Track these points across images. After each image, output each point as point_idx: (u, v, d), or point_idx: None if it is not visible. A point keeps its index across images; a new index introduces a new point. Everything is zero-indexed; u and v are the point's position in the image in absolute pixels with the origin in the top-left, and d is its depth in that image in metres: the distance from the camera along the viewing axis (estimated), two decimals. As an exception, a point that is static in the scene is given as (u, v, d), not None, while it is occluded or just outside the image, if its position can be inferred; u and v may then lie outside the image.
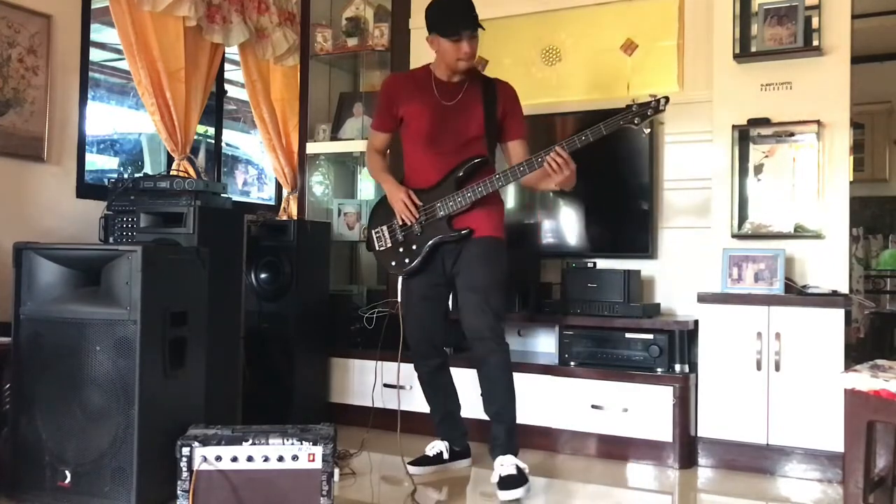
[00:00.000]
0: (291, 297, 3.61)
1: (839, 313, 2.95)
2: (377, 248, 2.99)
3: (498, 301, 2.86)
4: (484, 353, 2.82)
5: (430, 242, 2.87)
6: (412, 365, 3.08)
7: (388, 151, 3.15)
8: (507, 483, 2.71)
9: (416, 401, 3.24)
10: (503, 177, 2.80)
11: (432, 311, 2.97)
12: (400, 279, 2.99)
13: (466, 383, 3.31)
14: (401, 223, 2.90)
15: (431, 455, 3.04)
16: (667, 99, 2.71)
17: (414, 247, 2.89)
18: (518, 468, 2.76)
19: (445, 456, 3.04)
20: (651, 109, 2.70)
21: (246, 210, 3.45)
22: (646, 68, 3.71)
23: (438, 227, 2.86)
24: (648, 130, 2.81)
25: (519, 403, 3.16)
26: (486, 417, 3.36)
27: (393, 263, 2.94)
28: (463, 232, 2.84)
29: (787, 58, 3.19)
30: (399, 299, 3.00)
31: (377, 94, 3.15)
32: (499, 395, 2.84)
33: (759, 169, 3.28)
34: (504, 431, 2.83)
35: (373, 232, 3.00)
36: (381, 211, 2.99)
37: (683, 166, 3.60)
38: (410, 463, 2.99)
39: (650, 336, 3.25)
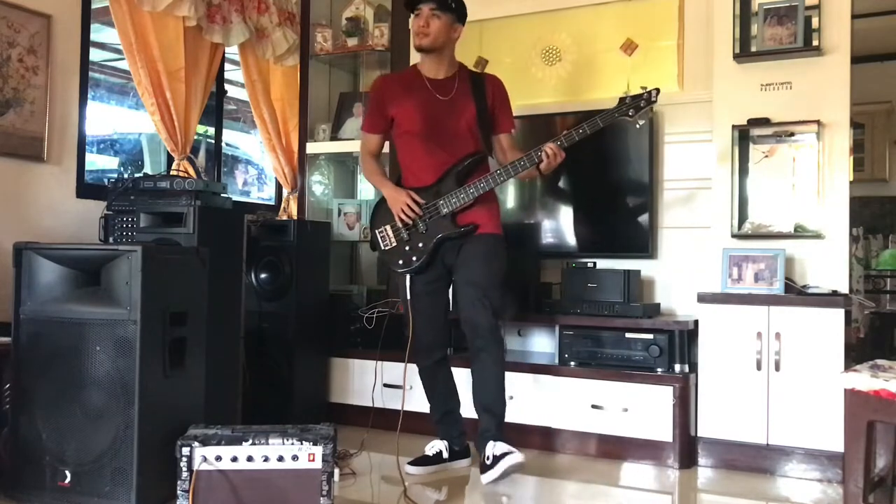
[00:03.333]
0: (291, 297, 3.61)
1: (839, 313, 2.95)
2: (382, 248, 2.99)
3: (497, 297, 2.90)
4: (479, 346, 2.87)
5: (435, 240, 2.90)
6: (413, 364, 3.07)
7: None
8: (502, 456, 2.77)
9: (416, 401, 3.24)
10: (504, 172, 2.87)
11: (435, 305, 3.00)
12: (407, 276, 2.99)
13: (467, 383, 3.31)
14: (402, 224, 2.92)
15: (431, 455, 3.04)
16: (657, 91, 2.83)
17: (420, 245, 2.92)
18: (511, 450, 2.80)
19: (445, 455, 3.04)
20: (643, 101, 2.81)
21: (246, 210, 3.45)
22: (646, 68, 3.71)
23: (442, 224, 2.89)
24: (643, 122, 2.89)
25: (519, 403, 3.17)
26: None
27: (400, 262, 2.95)
28: (468, 228, 2.88)
29: (787, 58, 3.19)
30: (404, 296, 3.00)
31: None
32: (491, 389, 2.89)
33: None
34: (494, 424, 2.87)
35: (377, 232, 3.00)
36: (383, 210, 3.00)
37: (683, 166, 3.60)
38: (410, 463, 2.99)
39: (650, 336, 3.24)
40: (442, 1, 2.86)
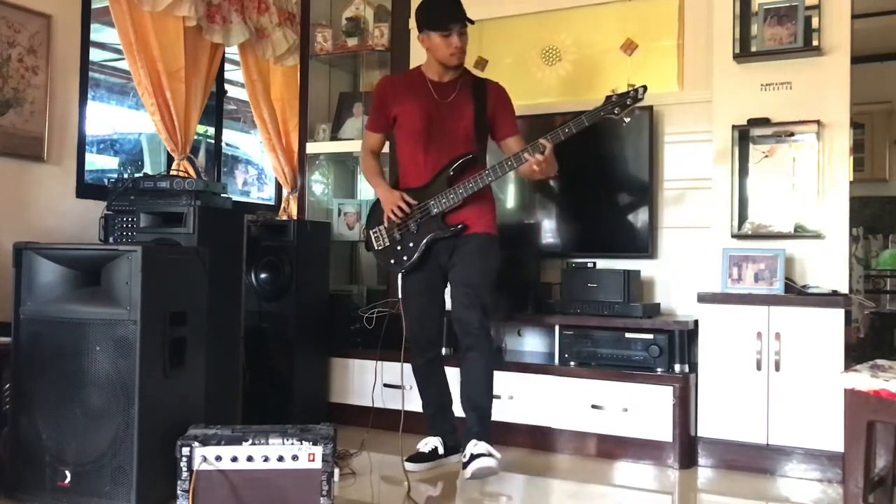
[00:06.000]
0: (291, 297, 3.60)
1: (839, 313, 2.95)
2: (376, 248, 3.08)
3: (488, 296, 2.95)
4: (469, 344, 2.92)
5: (425, 239, 2.97)
6: (408, 362, 3.10)
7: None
8: (478, 456, 2.78)
9: (416, 401, 3.24)
10: (492, 172, 2.92)
11: (430, 305, 3.06)
12: (399, 275, 3.07)
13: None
14: (394, 224, 2.99)
15: (426, 451, 3.04)
16: (644, 88, 2.83)
17: (411, 244, 2.99)
18: (490, 453, 2.81)
19: (440, 451, 3.05)
20: (630, 99, 2.82)
21: (246, 210, 3.45)
22: (646, 68, 3.71)
23: (433, 224, 2.96)
24: (628, 120, 2.91)
25: (519, 403, 3.17)
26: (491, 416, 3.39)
27: (392, 262, 3.04)
28: (457, 227, 2.94)
29: (787, 58, 3.19)
30: (399, 295, 3.08)
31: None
32: (478, 387, 2.92)
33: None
34: (476, 419, 2.89)
35: (371, 232, 3.10)
36: (378, 211, 3.09)
37: (683, 166, 3.60)
38: (407, 460, 3.00)
39: (650, 336, 3.24)
40: (467, 18, 2.93)
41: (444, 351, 3.42)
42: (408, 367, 3.16)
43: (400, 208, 2.95)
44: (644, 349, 3.25)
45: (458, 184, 2.92)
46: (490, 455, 2.80)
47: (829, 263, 3.13)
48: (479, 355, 2.91)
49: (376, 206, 3.10)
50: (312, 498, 2.23)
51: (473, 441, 2.85)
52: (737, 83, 3.28)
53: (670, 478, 3.05)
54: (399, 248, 3.01)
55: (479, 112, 2.99)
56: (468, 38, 2.98)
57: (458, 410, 3.15)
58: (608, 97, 2.86)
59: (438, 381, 3.13)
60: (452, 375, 3.14)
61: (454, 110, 2.99)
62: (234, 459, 2.23)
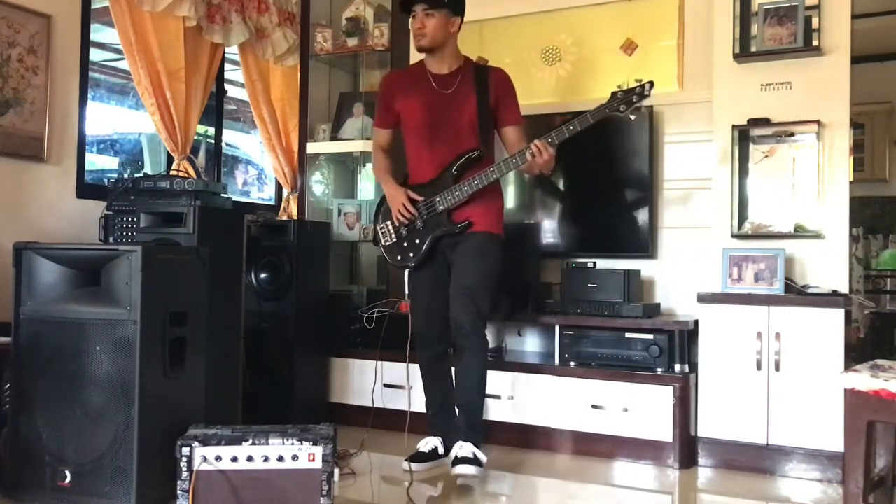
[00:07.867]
0: (291, 297, 3.60)
1: (839, 313, 2.95)
2: (383, 244, 3.09)
3: (484, 298, 2.92)
4: (462, 345, 2.92)
5: (431, 236, 2.96)
6: (415, 362, 3.09)
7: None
8: (461, 461, 2.78)
9: (417, 401, 3.24)
10: (496, 169, 2.89)
11: (436, 299, 3.01)
12: (407, 271, 3.06)
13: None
14: (401, 223, 3.00)
15: (427, 451, 3.03)
16: (651, 84, 2.78)
17: (417, 241, 2.99)
18: (475, 455, 2.81)
19: (441, 451, 3.04)
20: (636, 95, 2.77)
21: (246, 210, 3.45)
22: (646, 68, 3.70)
23: (439, 220, 2.96)
24: (634, 117, 2.83)
25: (519, 403, 3.17)
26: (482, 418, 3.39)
27: (398, 258, 3.05)
28: (463, 224, 2.93)
29: (787, 58, 3.19)
30: (406, 290, 3.07)
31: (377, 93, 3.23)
32: (468, 387, 2.92)
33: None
34: (465, 421, 2.90)
35: (378, 228, 3.11)
36: (386, 207, 3.09)
37: (683, 166, 3.60)
38: (407, 460, 2.99)
39: (650, 336, 3.24)
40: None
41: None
42: (412, 366, 3.14)
43: (405, 207, 2.95)
44: (644, 349, 3.25)
45: (463, 180, 2.90)
46: (473, 460, 2.78)
47: (829, 263, 3.13)
48: (470, 356, 2.90)
49: (384, 202, 3.11)
50: (312, 498, 2.23)
51: (459, 443, 2.85)
52: (737, 83, 3.28)
53: (670, 478, 3.05)
54: (406, 244, 3.02)
55: (481, 102, 2.95)
56: (441, 20, 2.89)
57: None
58: (614, 93, 2.80)
59: (443, 378, 3.09)
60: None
61: (456, 102, 2.96)
62: (234, 459, 2.23)
